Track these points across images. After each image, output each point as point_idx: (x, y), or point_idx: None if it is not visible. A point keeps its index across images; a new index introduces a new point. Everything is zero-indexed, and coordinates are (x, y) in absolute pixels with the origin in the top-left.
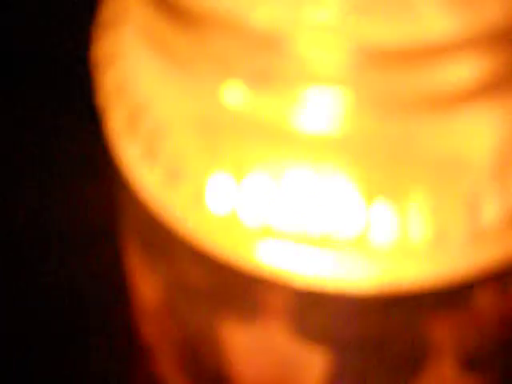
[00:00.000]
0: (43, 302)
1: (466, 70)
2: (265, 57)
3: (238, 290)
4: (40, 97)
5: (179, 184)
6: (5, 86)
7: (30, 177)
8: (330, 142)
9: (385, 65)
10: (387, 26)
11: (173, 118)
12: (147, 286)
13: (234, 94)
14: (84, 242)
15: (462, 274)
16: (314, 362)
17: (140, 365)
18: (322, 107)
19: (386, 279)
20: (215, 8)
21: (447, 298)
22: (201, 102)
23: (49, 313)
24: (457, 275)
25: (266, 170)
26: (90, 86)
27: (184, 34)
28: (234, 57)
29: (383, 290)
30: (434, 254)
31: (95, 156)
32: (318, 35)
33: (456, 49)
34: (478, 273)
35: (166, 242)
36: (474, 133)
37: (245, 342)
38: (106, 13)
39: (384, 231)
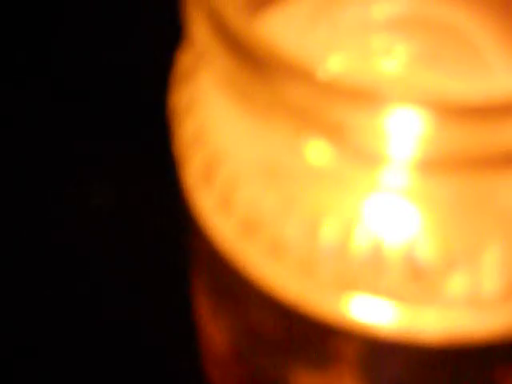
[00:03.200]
0: (109, 338)
1: None
2: (338, 108)
3: (310, 338)
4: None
5: (255, 234)
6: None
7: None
8: (406, 195)
9: (461, 121)
10: (459, 81)
11: (248, 168)
12: (217, 330)
13: (310, 145)
14: (153, 285)
15: None
16: None
17: None
18: (397, 164)
19: (457, 331)
20: (289, 59)
21: None
22: (277, 152)
23: (114, 352)
24: None
25: (341, 220)
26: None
27: (261, 83)
28: (309, 107)
29: (454, 342)
30: (505, 307)
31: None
32: (391, 88)
33: None
34: None
35: (238, 290)
36: None
37: None
38: (183, 63)
39: (457, 284)
